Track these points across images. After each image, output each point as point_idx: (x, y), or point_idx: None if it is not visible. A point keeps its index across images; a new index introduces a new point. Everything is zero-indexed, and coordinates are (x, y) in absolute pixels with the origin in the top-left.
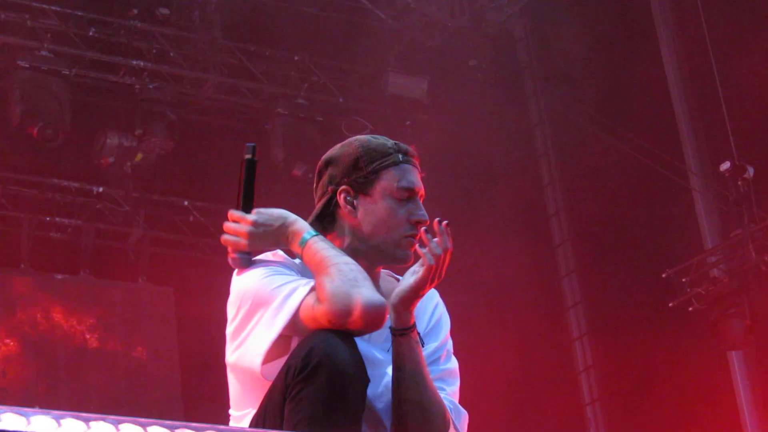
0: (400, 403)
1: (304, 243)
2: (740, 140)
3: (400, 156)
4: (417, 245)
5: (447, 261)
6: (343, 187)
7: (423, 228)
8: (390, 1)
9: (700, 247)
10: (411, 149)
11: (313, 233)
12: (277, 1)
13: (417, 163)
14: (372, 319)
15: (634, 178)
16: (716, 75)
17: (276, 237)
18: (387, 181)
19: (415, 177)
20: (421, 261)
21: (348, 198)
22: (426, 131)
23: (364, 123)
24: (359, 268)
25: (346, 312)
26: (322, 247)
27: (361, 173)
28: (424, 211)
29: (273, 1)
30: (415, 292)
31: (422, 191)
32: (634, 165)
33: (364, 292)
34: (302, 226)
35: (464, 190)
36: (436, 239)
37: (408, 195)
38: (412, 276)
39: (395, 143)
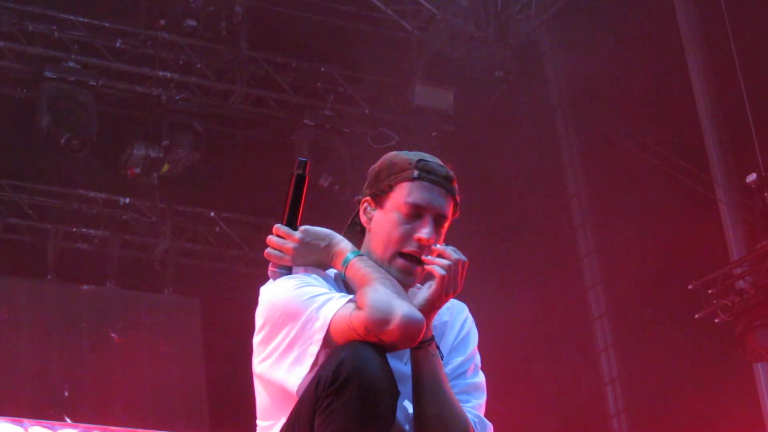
0: (420, 417)
1: (347, 263)
2: (767, 152)
3: (417, 172)
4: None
5: (463, 273)
6: (366, 198)
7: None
8: (416, 12)
9: (726, 258)
10: (441, 170)
11: (357, 253)
12: (303, 13)
13: (448, 185)
14: (408, 332)
15: (660, 189)
16: (743, 86)
17: (320, 256)
18: (398, 194)
19: (431, 196)
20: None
21: (368, 209)
22: (451, 142)
23: (390, 134)
24: (401, 287)
25: (384, 321)
26: (365, 265)
27: (380, 185)
28: (429, 230)
29: (299, 12)
30: (431, 305)
31: (440, 212)
32: (660, 176)
33: (404, 306)
34: (346, 246)
35: (489, 201)
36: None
37: (417, 212)
38: (427, 289)
39: (422, 160)
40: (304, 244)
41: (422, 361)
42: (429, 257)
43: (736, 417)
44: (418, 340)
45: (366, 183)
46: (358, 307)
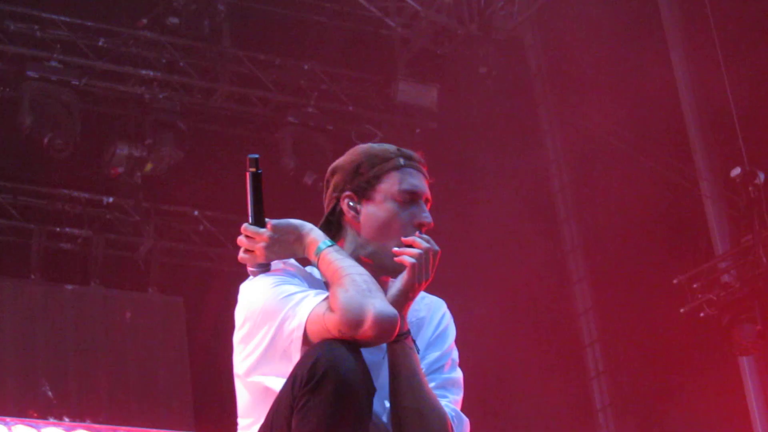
0: (397, 411)
1: (319, 253)
2: (751, 146)
3: (402, 160)
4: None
5: (435, 262)
6: (347, 193)
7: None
8: (399, 9)
9: (711, 252)
10: (416, 155)
11: (329, 243)
12: (286, 10)
13: (424, 169)
14: (383, 330)
15: (644, 184)
16: (726, 80)
17: (292, 249)
18: (389, 184)
19: (419, 181)
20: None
21: (351, 204)
22: (435, 139)
23: (374, 131)
24: (372, 279)
25: (357, 322)
26: (336, 257)
27: (363, 178)
28: (428, 214)
29: (282, 10)
30: (404, 295)
31: (427, 196)
32: (644, 171)
33: (376, 303)
34: (317, 236)
35: (473, 197)
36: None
37: (411, 198)
38: (399, 280)
39: (398, 148)
40: (274, 240)
41: (399, 354)
42: (399, 248)
43: (721, 410)
44: (395, 335)
45: (339, 179)
46: (331, 309)
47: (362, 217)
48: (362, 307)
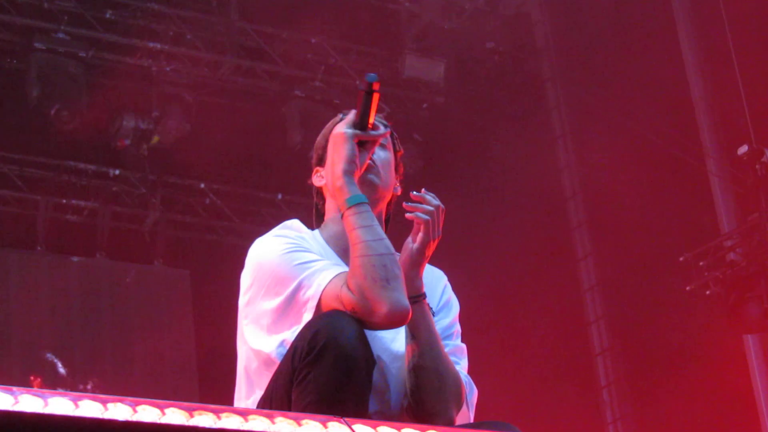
0: (415, 371)
1: (347, 206)
2: (758, 124)
3: (341, 115)
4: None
5: (442, 219)
6: (315, 169)
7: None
8: None
9: (717, 230)
10: None
11: (359, 200)
12: None
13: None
14: (394, 323)
15: (650, 161)
16: (734, 57)
17: (328, 167)
18: (332, 140)
19: None
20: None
21: (320, 174)
22: (442, 113)
23: (381, 106)
24: (393, 258)
25: (371, 313)
26: (360, 223)
27: (320, 151)
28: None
29: None
30: (421, 253)
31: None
32: (650, 148)
33: (393, 297)
34: (346, 184)
35: (479, 171)
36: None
37: None
38: (416, 242)
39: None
40: (330, 145)
41: (417, 314)
42: (411, 204)
43: (726, 389)
44: (406, 322)
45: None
46: (348, 286)
47: (324, 180)
48: (378, 301)
